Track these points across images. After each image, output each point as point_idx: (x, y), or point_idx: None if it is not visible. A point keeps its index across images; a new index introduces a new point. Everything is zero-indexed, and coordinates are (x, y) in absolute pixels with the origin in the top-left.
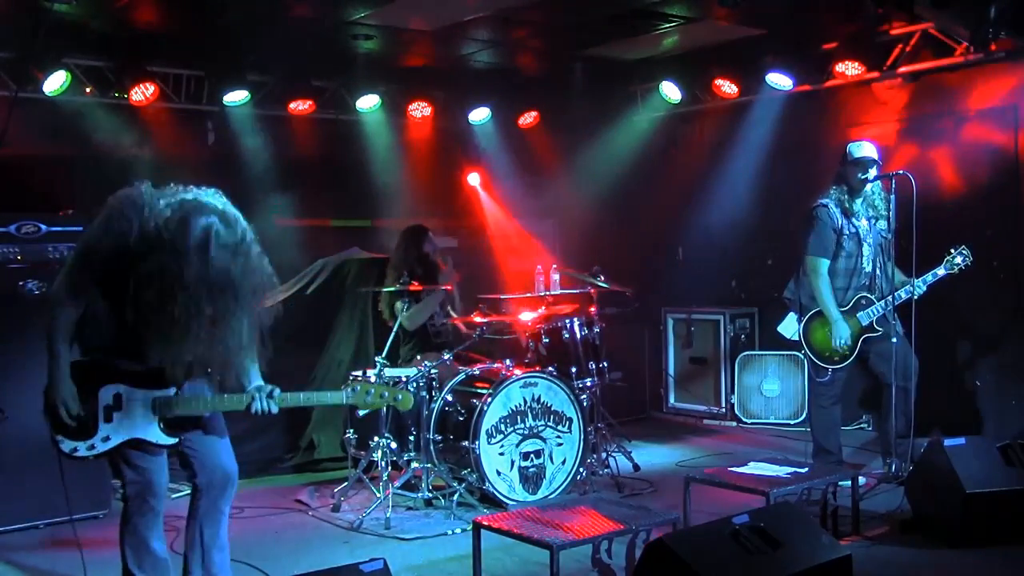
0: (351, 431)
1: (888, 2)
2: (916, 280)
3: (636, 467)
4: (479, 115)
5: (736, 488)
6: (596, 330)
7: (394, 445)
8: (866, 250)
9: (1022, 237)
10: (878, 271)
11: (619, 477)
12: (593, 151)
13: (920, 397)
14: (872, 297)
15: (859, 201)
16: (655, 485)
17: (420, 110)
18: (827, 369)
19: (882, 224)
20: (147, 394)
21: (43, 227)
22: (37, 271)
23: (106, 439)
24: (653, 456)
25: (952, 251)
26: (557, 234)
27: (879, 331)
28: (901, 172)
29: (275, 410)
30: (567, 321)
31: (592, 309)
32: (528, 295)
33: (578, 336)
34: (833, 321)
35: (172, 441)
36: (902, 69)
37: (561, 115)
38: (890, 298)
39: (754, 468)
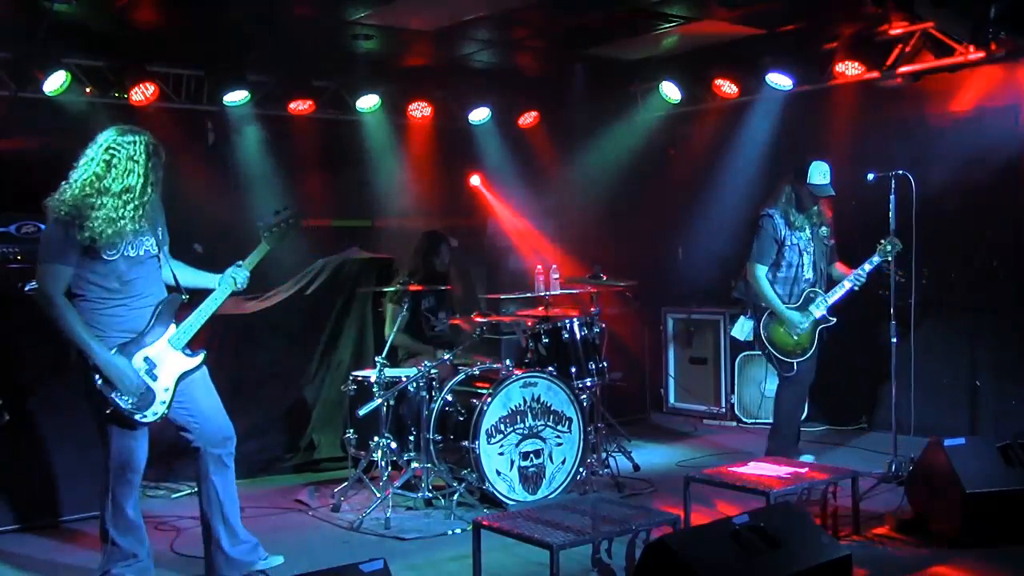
0: (351, 431)
1: (888, 2)
2: (856, 271)
3: (636, 467)
4: (479, 115)
5: (736, 488)
6: (596, 330)
7: (394, 445)
8: (806, 259)
9: (1022, 237)
10: (820, 276)
11: (619, 477)
12: (593, 151)
13: (920, 397)
14: (819, 290)
15: (809, 212)
16: (655, 485)
17: (420, 110)
18: (792, 363)
19: (825, 230)
20: (161, 343)
21: (43, 227)
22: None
23: (167, 389)
24: (653, 456)
25: (883, 241)
26: (557, 234)
27: (832, 320)
28: (900, 172)
29: (247, 276)
30: (567, 321)
31: (592, 309)
32: (528, 295)
33: (578, 336)
34: (783, 314)
35: (201, 356)
36: (902, 69)
37: (561, 115)
38: (838, 288)
39: (754, 468)
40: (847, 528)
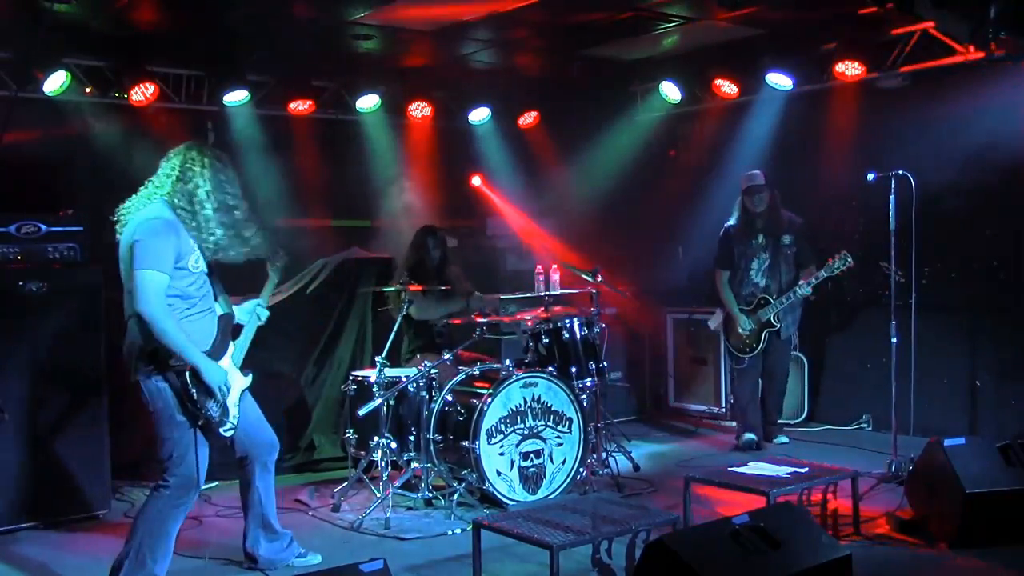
0: (351, 431)
1: (888, 2)
2: (802, 283)
3: (636, 467)
4: (479, 115)
5: (736, 488)
6: (596, 330)
7: (394, 445)
8: (755, 264)
9: (1022, 237)
10: (770, 280)
11: (619, 477)
12: (593, 151)
13: (920, 397)
14: (770, 298)
15: (759, 221)
16: (655, 485)
17: (420, 110)
18: (743, 358)
19: (786, 239)
20: (227, 359)
21: (43, 227)
22: (37, 271)
23: (235, 404)
24: (653, 456)
25: (833, 258)
26: (557, 234)
27: (776, 325)
28: (900, 172)
29: (267, 313)
30: (567, 321)
31: (592, 309)
32: (528, 295)
33: (578, 336)
34: (733, 314)
35: (251, 376)
36: (902, 69)
37: (561, 115)
38: (783, 298)
39: (754, 468)
40: (847, 528)
